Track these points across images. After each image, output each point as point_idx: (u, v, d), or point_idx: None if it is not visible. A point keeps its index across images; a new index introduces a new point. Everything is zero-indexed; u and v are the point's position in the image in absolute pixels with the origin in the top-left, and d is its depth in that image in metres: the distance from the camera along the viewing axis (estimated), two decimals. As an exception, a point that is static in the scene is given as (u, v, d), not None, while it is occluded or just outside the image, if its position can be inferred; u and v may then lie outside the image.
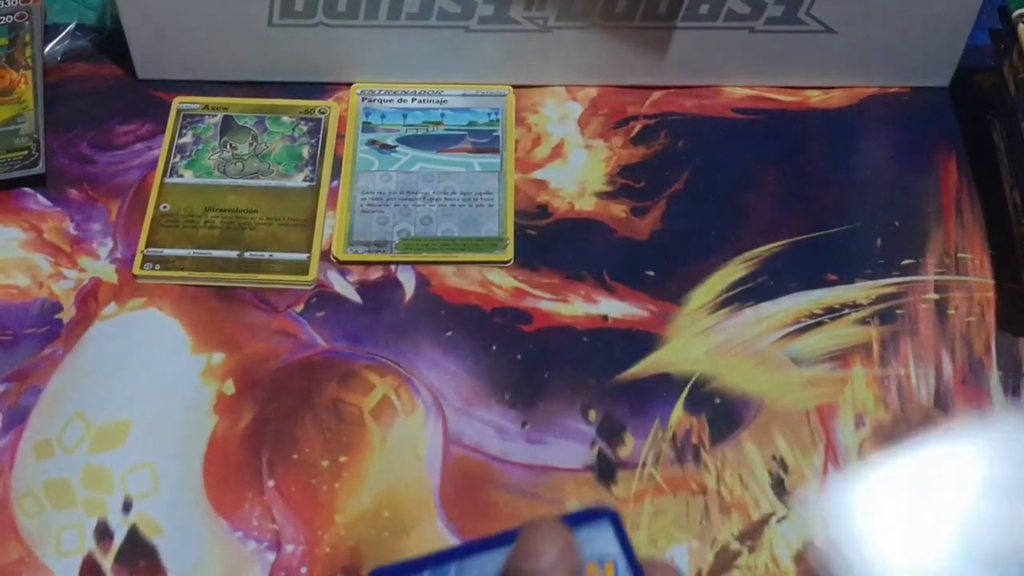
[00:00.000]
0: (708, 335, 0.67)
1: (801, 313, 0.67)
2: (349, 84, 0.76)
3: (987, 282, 0.69)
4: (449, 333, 0.66)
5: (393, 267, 0.69)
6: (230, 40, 0.74)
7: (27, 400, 0.63)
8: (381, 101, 0.75)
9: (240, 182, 0.72)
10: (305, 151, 0.73)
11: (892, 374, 0.65)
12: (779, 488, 0.61)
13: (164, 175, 0.72)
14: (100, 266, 0.69)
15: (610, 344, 0.66)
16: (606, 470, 0.62)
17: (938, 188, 0.73)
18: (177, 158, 0.72)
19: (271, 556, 0.59)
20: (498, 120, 0.75)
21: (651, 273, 0.69)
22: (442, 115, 0.75)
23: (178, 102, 0.75)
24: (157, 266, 0.68)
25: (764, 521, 0.60)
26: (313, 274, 0.68)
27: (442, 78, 0.76)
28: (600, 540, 0.41)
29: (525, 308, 0.67)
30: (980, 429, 0.49)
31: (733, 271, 0.69)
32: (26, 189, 0.72)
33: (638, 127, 0.75)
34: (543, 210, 0.72)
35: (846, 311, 0.67)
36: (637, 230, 0.71)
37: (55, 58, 0.78)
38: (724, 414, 0.64)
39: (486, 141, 0.74)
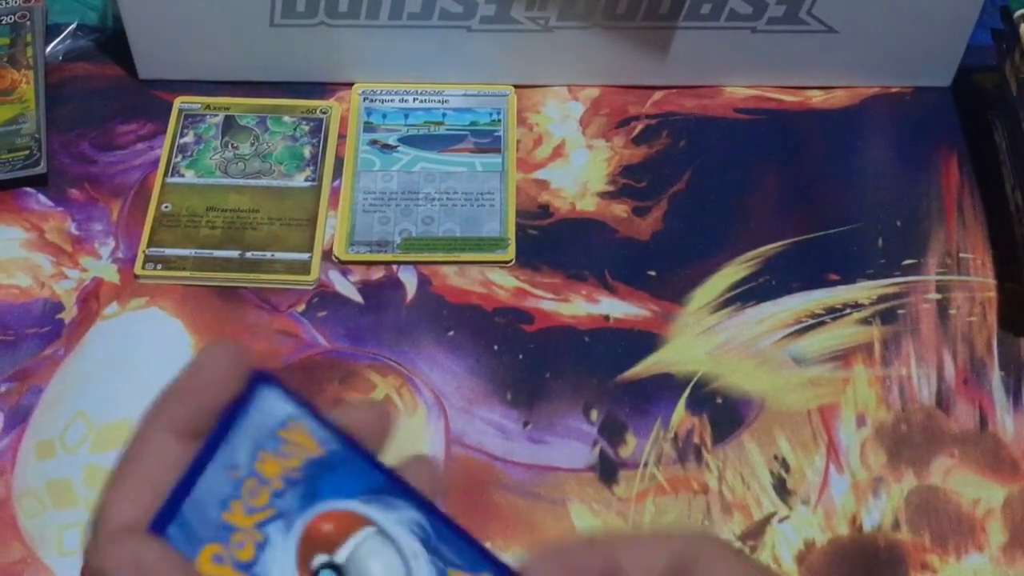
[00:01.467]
0: (710, 335, 0.67)
1: (803, 313, 0.67)
2: (351, 84, 0.76)
3: (989, 282, 0.69)
4: (451, 333, 0.66)
5: (395, 267, 0.69)
6: (232, 40, 0.74)
7: (29, 400, 0.63)
8: (383, 101, 0.75)
9: (242, 182, 0.72)
10: (307, 151, 0.73)
11: (894, 374, 0.65)
12: (781, 488, 0.61)
13: (165, 175, 0.72)
14: (102, 266, 0.69)
15: (612, 344, 0.66)
16: (608, 470, 0.62)
17: (940, 188, 0.73)
18: (179, 158, 0.72)
19: (273, 556, 0.59)
20: (500, 120, 0.75)
21: (652, 273, 0.69)
22: (443, 115, 0.75)
23: (179, 102, 0.75)
24: (159, 266, 0.68)
25: (766, 521, 0.60)
26: (315, 274, 0.68)
27: (444, 78, 0.76)
28: (273, 406, 0.35)
29: (527, 308, 0.67)
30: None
31: (735, 271, 0.69)
32: (28, 189, 0.72)
33: (640, 127, 0.75)
34: (544, 210, 0.72)
35: (848, 311, 0.67)
36: (638, 230, 0.71)
37: (57, 58, 0.78)
38: (726, 414, 0.64)
39: (488, 141, 0.74)
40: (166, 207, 0.70)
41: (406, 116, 0.75)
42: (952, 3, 0.72)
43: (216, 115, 0.74)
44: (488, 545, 0.61)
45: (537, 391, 0.64)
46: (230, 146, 0.73)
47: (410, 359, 0.65)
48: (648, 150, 0.74)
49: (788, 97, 0.77)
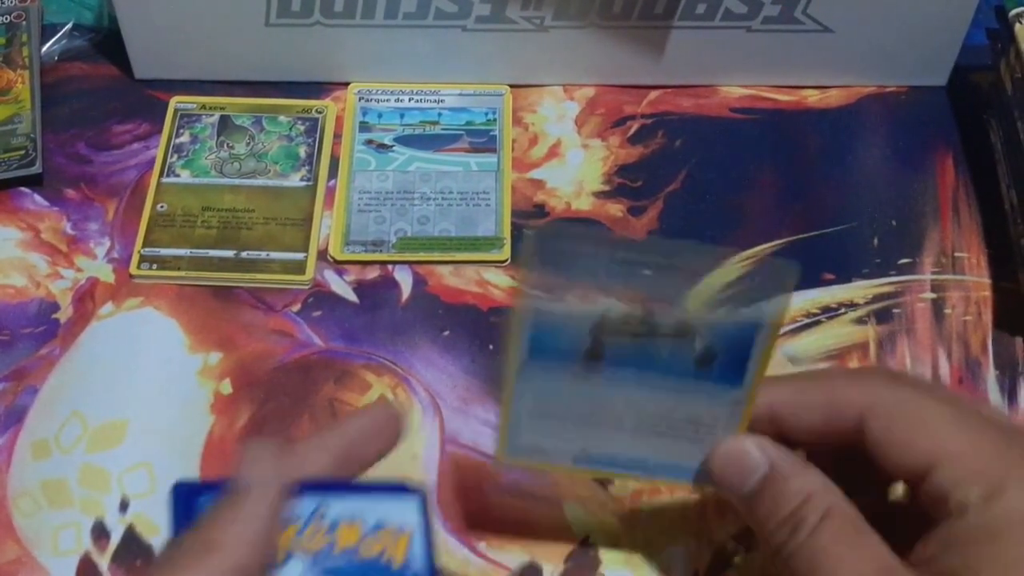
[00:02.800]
0: (705, 334, 0.66)
1: (798, 313, 0.67)
2: (346, 84, 0.76)
3: (984, 281, 0.69)
4: (446, 332, 0.66)
5: (390, 266, 0.69)
6: (227, 40, 0.74)
7: (24, 400, 0.63)
8: (378, 101, 0.75)
9: (237, 182, 0.72)
10: (302, 151, 0.73)
11: (889, 373, 0.65)
12: (776, 487, 0.61)
13: (161, 175, 0.72)
14: (97, 266, 0.69)
15: (607, 343, 0.66)
16: (603, 469, 0.62)
17: (935, 187, 0.73)
18: (174, 158, 0.72)
19: (268, 556, 0.59)
20: (495, 120, 0.75)
21: (648, 272, 0.69)
22: (439, 115, 0.75)
23: (175, 102, 0.75)
24: (154, 266, 0.68)
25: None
26: (310, 274, 0.68)
27: (439, 78, 0.76)
28: (402, 512, 0.43)
29: (522, 307, 0.67)
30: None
31: (730, 271, 0.69)
32: (23, 189, 0.72)
33: (635, 126, 0.75)
34: (540, 209, 0.72)
35: (843, 310, 0.68)
36: (634, 229, 0.71)
37: (52, 58, 0.78)
38: (721, 413, 0.64)
39: (483, 141, 0.74)
40: (161, 207, 0.70)
41: (402, 116, 0.75)
42: (947, 3, 0.72)
43: (212, 115, 0.74)
44: (483, 545, 0.61)
45: (532, 391, 0.64)
46: (225, 146, 0.73)
47: (405, 359, 0.65)
48: (644, 150, 0.74)
49: (783, 96, 0.77)
